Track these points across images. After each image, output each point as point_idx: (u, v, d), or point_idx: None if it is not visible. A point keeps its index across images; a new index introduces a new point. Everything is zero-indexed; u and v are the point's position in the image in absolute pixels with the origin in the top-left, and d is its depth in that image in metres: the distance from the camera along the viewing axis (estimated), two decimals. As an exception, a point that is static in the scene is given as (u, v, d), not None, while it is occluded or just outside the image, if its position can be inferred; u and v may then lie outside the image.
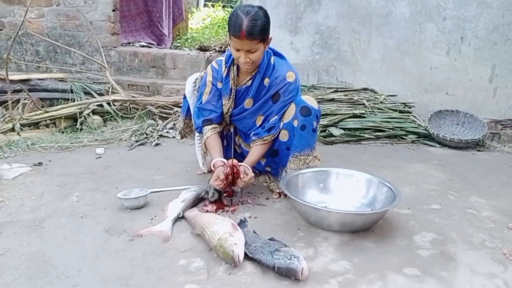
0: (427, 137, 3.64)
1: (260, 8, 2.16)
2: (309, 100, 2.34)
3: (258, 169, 2.61)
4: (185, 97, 2.64)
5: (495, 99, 3.89)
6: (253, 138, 2.40)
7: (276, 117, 2.35)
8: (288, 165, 2.39)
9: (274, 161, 2.49)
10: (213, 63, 2.48)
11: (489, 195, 2.57)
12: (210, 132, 2.45)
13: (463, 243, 2.00)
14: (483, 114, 3.85)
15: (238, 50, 2.17)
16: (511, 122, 3.80)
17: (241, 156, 2.62)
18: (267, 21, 2.15)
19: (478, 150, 3.49)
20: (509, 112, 3.87)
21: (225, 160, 2.35)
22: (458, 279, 1.72)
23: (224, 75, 2.40)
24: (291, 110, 2.33)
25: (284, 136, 2.38)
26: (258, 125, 2.43)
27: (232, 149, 2.58)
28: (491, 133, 3.71)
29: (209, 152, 2.49)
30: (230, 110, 2.46)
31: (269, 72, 2.33)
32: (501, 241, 2.02)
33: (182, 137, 2.86)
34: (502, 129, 3.77)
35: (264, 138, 2.37)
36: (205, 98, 2.48)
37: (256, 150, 2.39)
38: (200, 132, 2.55)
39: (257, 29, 2.09)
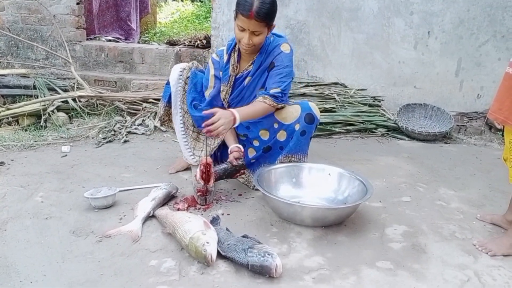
0: (396, 130, 3.68)
1: None
2: (315, 108, 2.34)
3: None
4: (168, 84, 2.57)
5: (461, 92, 3.97)
6: (257, 95, 2.34)
7: (277, 89, 2.26)
8: (277, 162, 2.40)
9: (264, 156, 2.48)
10: (213, 55, 2.49)
11: (457, 186, 2.62)
12: None
13: (433, 235, 2.03)
14: (449, 107, 3.93)
15: (242, 30, 2.18)
16: (477, 115, 3.88)
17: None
18: (275, 6, 2.19)
19: (446, 143, 3.56)
20: (475, 105, 3.96)
21: (240, 146, 2.39)
22: (430, 271, 1.74)
23: (225, 62, 2.41)
24: (296, 112, 2.31)
25: (282, 136, 2.39)
26: None
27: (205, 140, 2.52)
28: (457, 125, 3.79)
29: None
30: (227, 96, 2.45)
31: (267, 48, 2.33)
32: (471, 232, 2.06)
33: (161, 124, 2.79)
34: (468, 122, 3.86)
35: (265, 97, 2.25)
36: (208, 92, 2.49)
37: (253, 103, 2.28)
38: (199, 126, 2.52)
39: (267, 11, 2.13)
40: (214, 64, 2.47)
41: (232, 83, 2.43)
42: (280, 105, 2.31)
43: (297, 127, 2.32)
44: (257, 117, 2.31)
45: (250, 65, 2.37)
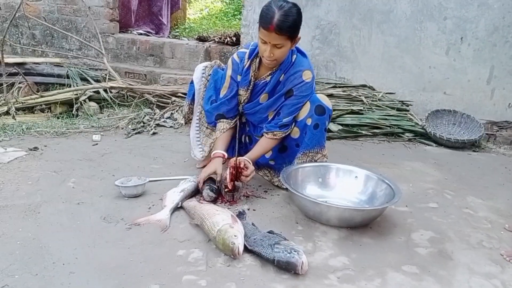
0: (423, 136, 3.64)
1: (294, 5, 2.12)
2: (324, 99, 2.33)
3: (259, 163, 2.60)
4: (192, 83, 2.60)
5: (492, 101, 3.91)
6: (264, 130, 2.38)
7: (289, 117, 2.31)
8: (295, 161, 2.40)
9: (281, 156, 2.48)
10: (235, 56, 2.45)
11: (485, 195, 2.58)
12: (223, 129, 2.46)
13: (460, 242, 2.01)
14: (479, 115, 3.86)
15: (264, 42, 2.14)
16: (507, 124, 3.81)
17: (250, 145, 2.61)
18: (298, 19, 2.12)
19: (474, 151, 3.50)
20: (506, 114, 3.89)
21: (224, 153, 2.37)
22: (457, 278, 1.72)
23: (245, 68, 2.37)
24: (305, 107, 2.31)
25: (295, 133, 2.38)
26: (269, 119, 2.41)
27: (237, 140, 2.54)
28: (487, 134, 3.72)
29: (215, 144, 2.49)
30: (244, 103, 2.45)
31: (287, 69, 2.30)
32: (498, 241, 2.03)
33: (186, 122, 2.81)
34: (498, 131, 3.79)
35: (275, 133, 2.33)
36: (223, 92, 2.47)
37: (263, 143, 2.37)
38: (210, 123, 2.58)
39: (288, 24, 2.06)
40: (233, 65, 2.42)
41: (251, 89, 2.41)
42: (288, 132, 2.37)
43: (308, 121, 2.30)
44: (266, 152, 2.43)
45: (268, 75, 2.35)
